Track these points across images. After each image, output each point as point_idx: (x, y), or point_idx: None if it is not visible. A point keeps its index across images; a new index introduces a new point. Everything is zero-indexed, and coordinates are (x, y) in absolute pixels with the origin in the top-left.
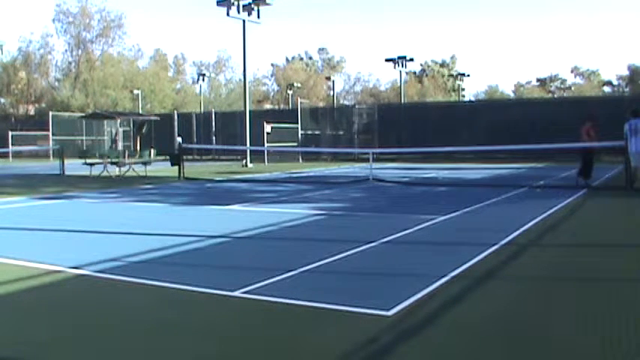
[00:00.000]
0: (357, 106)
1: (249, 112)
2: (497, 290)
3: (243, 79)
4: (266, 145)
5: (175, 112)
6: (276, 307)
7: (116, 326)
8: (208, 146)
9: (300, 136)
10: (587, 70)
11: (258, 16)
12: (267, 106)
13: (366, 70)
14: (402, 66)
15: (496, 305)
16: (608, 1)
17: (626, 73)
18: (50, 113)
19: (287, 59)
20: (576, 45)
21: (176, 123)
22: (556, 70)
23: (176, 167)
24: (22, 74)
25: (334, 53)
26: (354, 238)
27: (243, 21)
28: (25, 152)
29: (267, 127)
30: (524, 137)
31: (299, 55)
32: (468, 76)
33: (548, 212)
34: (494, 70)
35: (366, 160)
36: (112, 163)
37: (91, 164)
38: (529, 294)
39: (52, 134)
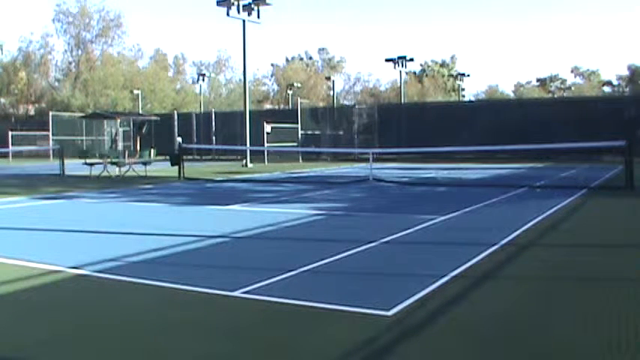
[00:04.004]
0: (357, 106)
1: (249, 112)
2: (497, 290)
3: (243, 79)
4: (266, 145)
5: (175, 112)
6: (276, 307)
7: (116, 326)
8: (208, 146)
9: (300, 136)
10: (587, 70)
11: (258, 16)
12: (267, 106)
13: (366, 70)
14: (402, 66)
15: (496, 305)
16: (609, 1)
17: (626, 73)
18: (50, 113)
19: (287, 59)
20: (576, 45)
21: (176, 123)
22: (556, 70)
23: (176, 167)
24: (22, 74)
25: (334, 53)
26: (354, 238)
27: (243, 21)
28: (25, 152)
29: (267, 127)
30: (524, 137)
31: (299, 55)
32: (468, 76)
33: (548, 212)
34: (494, 70)
35: (366, 160)
36: (112, 163)
37: (91, 164)
38: (529, 294)
39: (52, 134)
